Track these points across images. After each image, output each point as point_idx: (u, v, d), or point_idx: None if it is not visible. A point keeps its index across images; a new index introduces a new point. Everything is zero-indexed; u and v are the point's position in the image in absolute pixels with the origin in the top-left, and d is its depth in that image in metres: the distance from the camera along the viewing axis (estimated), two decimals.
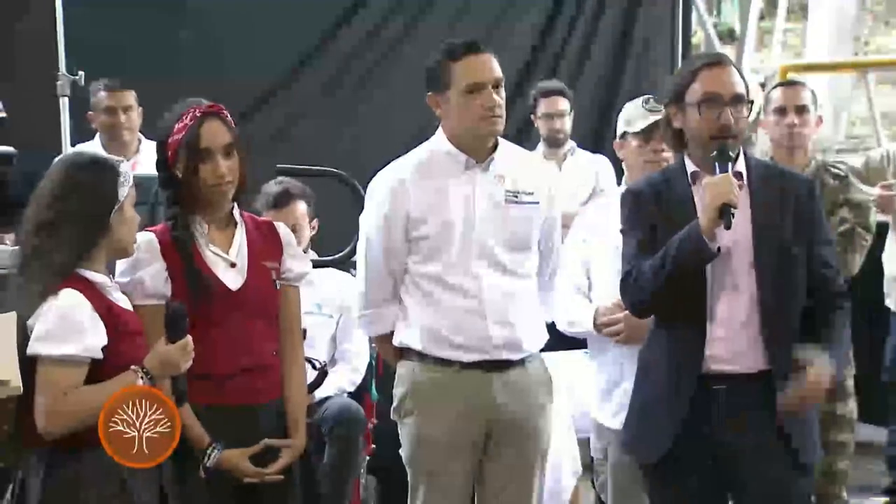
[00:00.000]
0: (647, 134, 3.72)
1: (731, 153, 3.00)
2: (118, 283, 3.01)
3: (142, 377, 2.82)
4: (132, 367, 2.83)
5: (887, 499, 4.47)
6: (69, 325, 2.78)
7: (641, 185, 3.20)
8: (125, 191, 2.91)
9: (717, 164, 2.99)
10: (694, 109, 3.04)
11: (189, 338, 2.88)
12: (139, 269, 3.04)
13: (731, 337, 3.01)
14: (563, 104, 5.69)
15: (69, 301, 2.80)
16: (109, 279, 2.96)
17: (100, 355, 2.82)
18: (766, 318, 3.00)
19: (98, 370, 2.82)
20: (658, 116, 3.71)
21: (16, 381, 2.75)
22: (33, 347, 2.78)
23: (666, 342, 3.09)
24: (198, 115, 3.06)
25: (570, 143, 5.74)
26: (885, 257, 5.05)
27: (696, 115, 3.04)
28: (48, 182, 2.92)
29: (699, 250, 2.92)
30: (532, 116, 5.76)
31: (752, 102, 3.09)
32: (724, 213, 2.90)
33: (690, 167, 3.09)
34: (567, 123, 5.69)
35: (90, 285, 2.86)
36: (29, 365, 2.79)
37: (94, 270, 2.89)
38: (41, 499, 2.82)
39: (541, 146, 5.73)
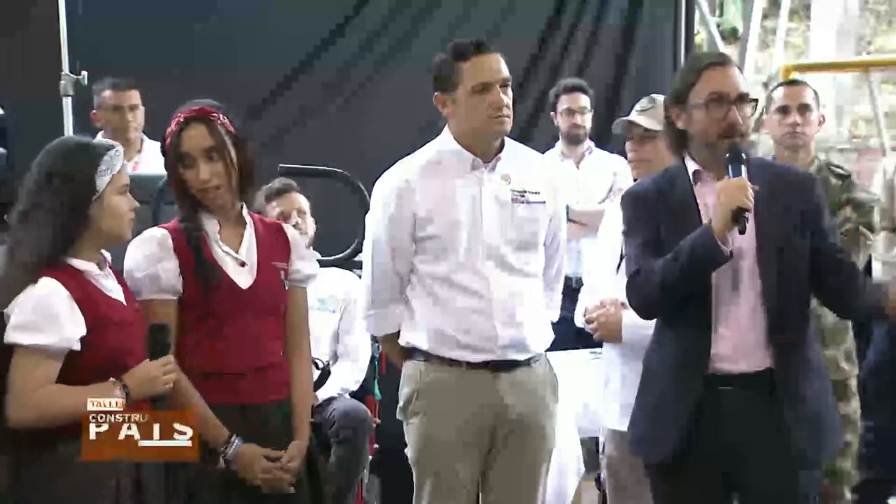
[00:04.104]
0: (628, 134, 3.71)
1: (743, 154, 2.98)
2: (136, 278, 2.99)
3: (119, 391, 2.76)
4: (111, 379, 2.77)
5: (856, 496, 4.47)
6: (45, 315, 2.72)
7: (641, 186, 3.20)
8: (105, 179, 2.83)
9: (729, 165, 2.97)
10: (700, 110, 3.03)
11: (170, 357, 2.85)
12: (154, 264, 3.03)
13: (736, 336, 3.00)
14: (585, 101, 5.70)
15: (46, 290, 2.74)
16: (99, 266, 2.87)
17: (77, 346, 2.76)
18: (770, 317, 2.99)
19: (76, 361, 2.77)
20: (643, 117, 3.67)
21: None
22: (9, 336, 2.73)
23: (671, 342, 3.09)
24: (181, 119, 3.06)
25: (589, 143, 5.75)
26: None
27: (703, 116, 3.03)
28: (33, 170, 2.85)
29: (712, 253, 2.91)
30: (552, 114, 5.76)
31: (755, 102, 3.08)
32: (739, 218, 2.88)
33: (692, 167, 3.09)
34: (588, 120, 5.70)
35: (76, 273, 2.80)
36: (8, 354, 2.73)
37: (82, 259, 2.83)
38: (15, 493, 2.77)
39: (559, 144, 5.74)
